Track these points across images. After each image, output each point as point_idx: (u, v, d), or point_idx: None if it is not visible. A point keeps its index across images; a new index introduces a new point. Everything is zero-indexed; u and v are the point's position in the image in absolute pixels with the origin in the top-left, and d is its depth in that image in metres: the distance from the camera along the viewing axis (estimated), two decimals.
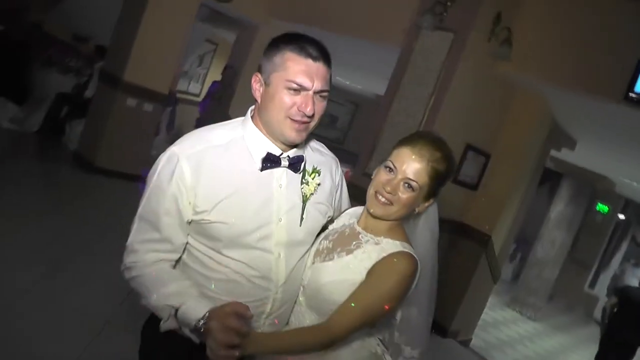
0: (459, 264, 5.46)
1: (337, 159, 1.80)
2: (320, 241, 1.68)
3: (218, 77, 8.57)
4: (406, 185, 1.54)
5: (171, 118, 8.98)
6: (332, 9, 6.37)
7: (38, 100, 7.69)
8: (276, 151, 1.54)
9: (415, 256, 1.55)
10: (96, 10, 8.81)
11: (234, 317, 1.26)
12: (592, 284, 12.64)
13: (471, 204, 5.49)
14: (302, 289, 1.63)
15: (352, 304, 1.48)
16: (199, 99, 10.15)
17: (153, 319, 1.57)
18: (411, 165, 1.54)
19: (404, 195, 1.55)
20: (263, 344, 1.39)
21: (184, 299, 1.38)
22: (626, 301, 5.53)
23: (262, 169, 1.53)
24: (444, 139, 1.64)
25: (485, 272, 5.67)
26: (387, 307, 1.51)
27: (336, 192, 1.77)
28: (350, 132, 12.87)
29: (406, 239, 1.60)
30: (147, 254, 1.49)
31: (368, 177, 1.66)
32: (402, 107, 4.98)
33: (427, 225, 1.70)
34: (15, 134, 7.22)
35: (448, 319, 5.57)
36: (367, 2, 6.05)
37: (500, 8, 4.73)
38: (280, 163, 1.55)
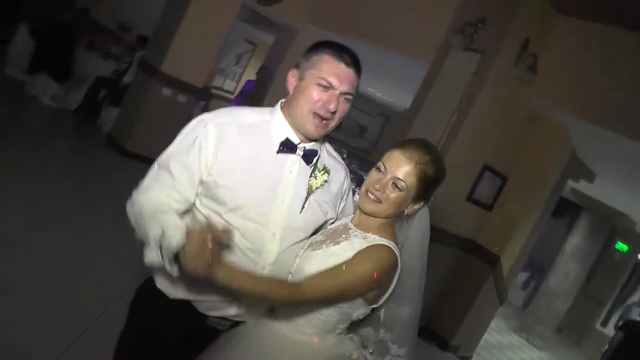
0: (466, 281, 5.57)
1: (347, 170, 1.91)
2: (315, 236, 1.76)
3: (253, 77, 8.79)
4: (394, 185, 1.62)
5: (203, 112, 9.20)
6: (368, 20, 6.55)
7: (78, 81, 8.03)
8: (295, 139, 1.69)
9: (396, 253, 1.62)
10: (142, 2, 9.13)
11: (211, 232, 1.38)
12: (605, 322, 12.47)
13: (484, 224, 5.58)
14: (289, 276, 1.69)
15: (329, 276, 1.55)
16: (233, 97, 10.38)
17: (141, 295, 1.76)
18: (400, 166, 1.62)
19: (392, 194, 1.63)
20: (235, 276, 1.47)
21: (173, 232, 1.46)
22: (630, 334, 5.56)
23: (278, 152, 1.67)
24: (433, 145, 1.73)
25: (492, 293, 5.74)
26: (359, 289, 1.58)
27: (341, 199, 1.87)
28: (379, 144, 12.93)
29: (394, 238, 1.67)
30: (156, 193, 1.62)
31: None
32: (425, 121, 5.11)
33: (419, 229, 1.77)
34: (55, 110, 7.56)
35: (450, 333, 5.65)
36: (403, 17, 6.20)
37: (529, 34, 4.85)
38: (295, 150, 1.69)
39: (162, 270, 1.52)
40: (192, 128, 1.68)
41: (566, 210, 10.65)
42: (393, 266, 1.61)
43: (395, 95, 10.52)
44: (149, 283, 1.74)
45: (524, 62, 4.92)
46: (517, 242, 5.67)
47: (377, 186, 1.63)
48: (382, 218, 1.67)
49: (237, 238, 1.61)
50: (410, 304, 1.77)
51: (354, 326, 1.76)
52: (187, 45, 6.42)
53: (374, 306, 1.68)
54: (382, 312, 1.75)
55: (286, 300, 1.56)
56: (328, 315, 1.63)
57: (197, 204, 1.67)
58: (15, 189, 4.44)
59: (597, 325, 12.18)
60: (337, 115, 1.67)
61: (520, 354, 8.40)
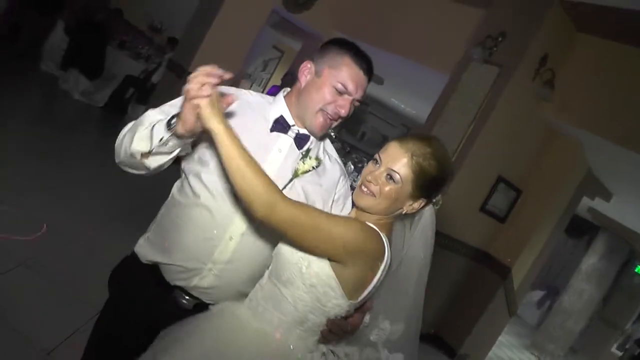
0: (477, 291, 5.62)
1: (346, 174, 1.85)
2: None
3: (279, 83, 8.94)
4: (388, 176, 1.52)
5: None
6: (392, 30, 6.65)
7: (108, 78, 8.28)
8: (290, 120, 1.68)
9: (385, 244, 1.49)
10: (173, 5, 9.37)
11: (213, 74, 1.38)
12: (621, 347, 12.32)
13: (497, 235, 5.63)
14: (269, 269, 1.59)
15: (309, 208, 1.45)
16: None
17: (119, 270, 1.80)
18: (395, 157, 1.52)
19: (385, 187, 1.51)
20: (229, 133, 1.38)
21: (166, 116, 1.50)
22: None
23: (271, 130, 1.67)
24: (439, 140, 1.59)
25: (502, 304, 5.77)
26: (330, 242, 1.41)
27: (336, 201, 1.80)
28: None
29: (388, 235, 1.55)
30: (148, 120, 1.60)
31: None
32: (442, 132, 5.18)
33: (422, 234, 1.64)
34: (84, 106, 7.82)
35: (458, 341, 5.69)
36: (426, 29, 6.30)
37: (549, 50, 4.91)
38: (288, 131, 1.68)
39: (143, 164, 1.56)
40: None
41: (585, 230, 10.59)
42: (376, 251, 1.48)
43: (417, 106, 10.61)
44: (125, 261, 1.80)
45: (542, 77, 4.98)
46: (529, 255, 5.70)
47: (370, 177, 1.54)
48: (378, 214, 1.55)
49: (211, 200, 1.60)
50: (405, 319, 1.62)
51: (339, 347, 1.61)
52: (216, 48, 6.59)
53: (353, 302, 1.50)
54: (370, 331, 1.61)
55: (254, 192, 1.36)
56: (301, 300, 1.48)
57: (182, 165, 1.69)
58: (41, 173, 4.67)
59: (613, 349, 12.04)
60: (344, 118, 1.67)
61: None
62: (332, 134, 4.39)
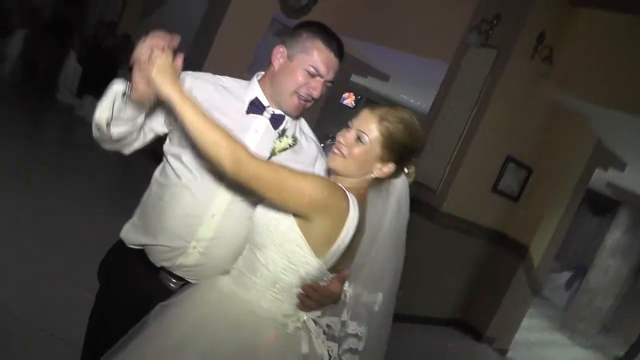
0: (496, 272, 5.70)
1: (322, 151, 1.89)
2: None
3: None
4: (358, 138, 1.57)
5: None
6: (394, 27, 6.73)
7: None
8: (265, 102, 1.74)
9: (351, 201, 1.52)
10: (178, 24, 9.58)
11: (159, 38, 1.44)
12: None
13: (511, 215, 5.70)
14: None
15: (274, 166, 1.50)
16: None
17: (106, 259, 1.87)
18: (364, 120, 1.59)
19: (354, 148, 1.57)
20: (183, 92, 1.42)
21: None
22: None
23: (247, 111, 1.73)
24: (411, 113, 1.64)
25: (524, 284, 5.83)
26: (296, 196, 1.46)
27: None
28: None
29: (361, 200, 1.58)
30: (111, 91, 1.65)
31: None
32: (446, 119, 5.29)
33: (397, 203, 1.65)
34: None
35: (483, 324, 5.76)
36: (425, 20, 6.37)
37: (545, 28, 5.00)
38: (263, 111, 1.74)
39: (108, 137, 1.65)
40: None
41: (607, 207, 10.53)
42: (341, 207, 1.51)
43: (426, 99, 10.67)
44: (112, 249, 1.88)
45: (540, 55, 5.06)
46: (546, 232, 5.75)
47: (340, 139, 1.60)
48: (349, 176, 1.60)
49: (192, 181, 1.67)
50: (381, 289, 1.63)
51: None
52: (221, 60, 6.72)
53: (321, 260, 1.53)
54: (347, 297, 1.62)
55: (222, 150, 1.40)
56: (272, 261, 1.53)
57: (165, 148, 1.76)
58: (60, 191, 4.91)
59: None
60: (317, 99, 1.73)
61: (562, 352, 8.33)
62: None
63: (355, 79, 10.81)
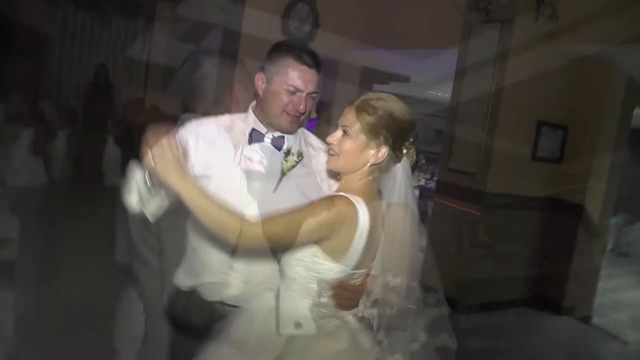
0: (557, 240, 5.59)
1: None
2: None
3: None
4: (344, 133, 1.66)
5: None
6: (400, 27, 6.77)
7: None
8: (262, 130, 1.86)
9: (355, 205, 1.59)
10: (196, 79, 9.91)
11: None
12: None
13: (558, 178, 5.60)
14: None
15: (277, 215, 1.57)
16: None
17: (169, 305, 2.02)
18: (346, 115, 1.67)
19: (343, 144, 1.65)
20: (187, 182, 1.54)
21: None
22: None
23: (250, 142, 1.85)
24: (388, 94, 1.69)
25: (589, 244, 5.67)
26: (306, 231, 1.54)
27: (327, 180, 1.93)
28: None
29: (365, 196, 1.64)
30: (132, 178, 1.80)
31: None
32: (468, 101, 5.32)
33: (403, 184, 1.70)
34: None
35: (559, 295, 5.62)
36: (426, 14, 6.41)
37: None
38: (264, 138, 1.85)
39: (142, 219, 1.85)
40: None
41: None
42: (346, 215, 1.58)
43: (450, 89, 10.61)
44: (171, 296, 2.02)
45: (544, 14, 5.06)
46: (598, 185, 5.59)
47: (331, 140, 1.69)
48: (351, 172, 1.68)
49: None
50: (403, 271, 1.67)
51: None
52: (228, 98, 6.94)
53: (341, 264, 1.62)
54: (371, 284, 1.68)
55: (227, 228, 1.55)
56: (297, 274, 1.65)
57: None
58: None
59: None
60: (307, 112, 1.83)
61: None
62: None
63: (377, 87, 10.84)
